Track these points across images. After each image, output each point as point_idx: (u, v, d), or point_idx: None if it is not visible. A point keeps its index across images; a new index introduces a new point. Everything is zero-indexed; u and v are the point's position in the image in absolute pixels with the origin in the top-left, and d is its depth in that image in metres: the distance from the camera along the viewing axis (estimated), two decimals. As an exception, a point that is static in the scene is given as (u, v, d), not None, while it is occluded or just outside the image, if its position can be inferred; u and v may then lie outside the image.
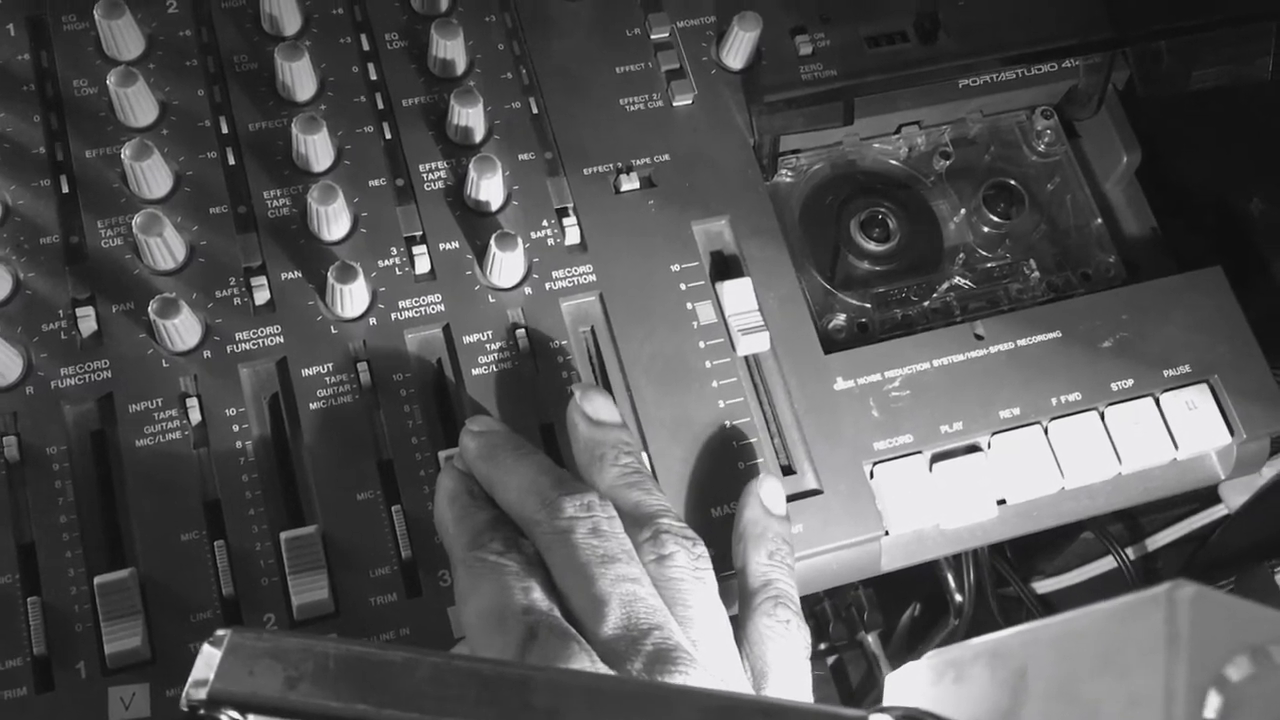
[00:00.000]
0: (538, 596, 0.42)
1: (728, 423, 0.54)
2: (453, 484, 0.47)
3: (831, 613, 0.86)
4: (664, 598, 0.43)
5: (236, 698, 0.32)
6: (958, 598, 0.80)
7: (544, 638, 0.40)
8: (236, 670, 0.32)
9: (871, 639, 0.88)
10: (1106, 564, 0.78)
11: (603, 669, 0.39)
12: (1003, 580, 0.82)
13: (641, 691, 0.32)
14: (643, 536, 0.45)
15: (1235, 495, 0.69)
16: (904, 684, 0.33)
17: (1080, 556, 0.80)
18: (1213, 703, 0.23)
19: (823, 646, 0.88)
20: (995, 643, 0.30)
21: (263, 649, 0.32)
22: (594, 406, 0.49)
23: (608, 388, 0.54)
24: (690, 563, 0.45)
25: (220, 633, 0.33)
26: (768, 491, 0.50)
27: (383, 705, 0.31)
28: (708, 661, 0.41)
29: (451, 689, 0.31)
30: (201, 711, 0.32)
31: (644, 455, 0.51)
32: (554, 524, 0.44)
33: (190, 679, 0.33)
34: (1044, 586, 0.82)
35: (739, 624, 0.47)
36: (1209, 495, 0.71)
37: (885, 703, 0.32)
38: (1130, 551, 0.77)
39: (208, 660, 0.33)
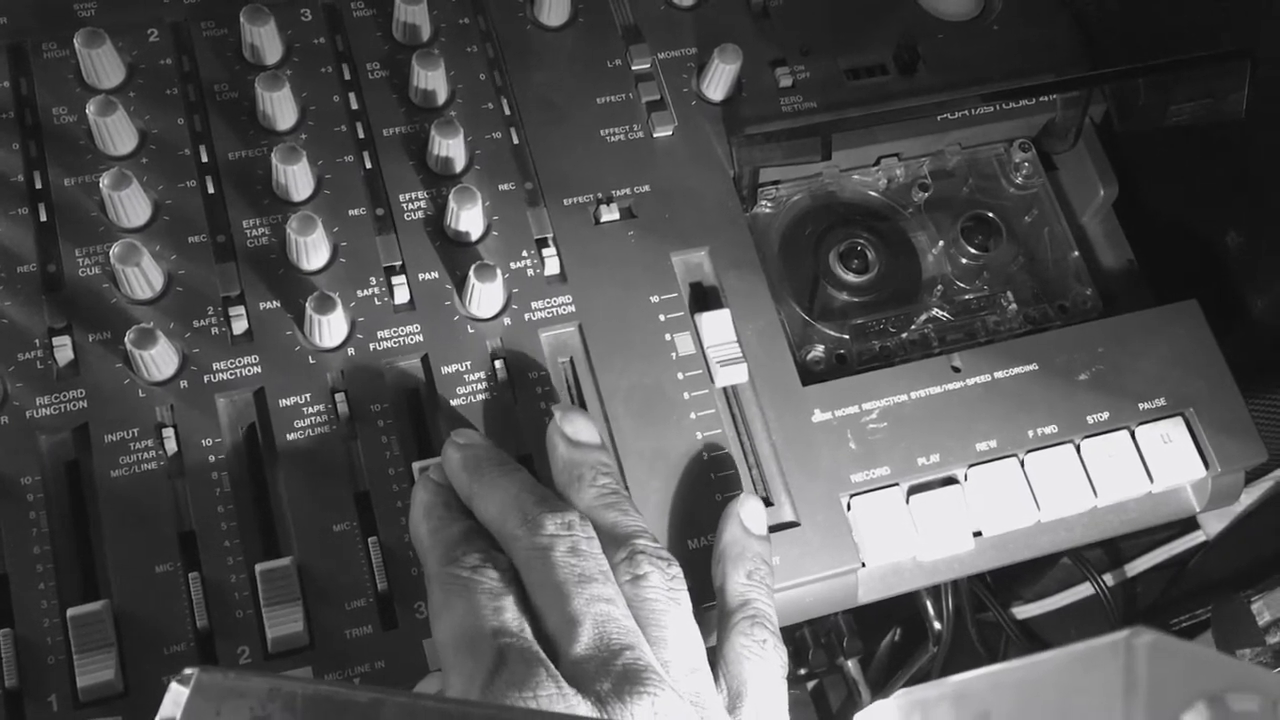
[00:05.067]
0: (509, 617, 0.42)
1: (706, 454, 0.54)
2: (428, 496, 0.47)
3: (811, 639, 0.86)
4: (638, 618, 0.44)
5: (204, 738, 0.32)
6: (936, 625, 0.80)
7: (513, 663, 0.40)
8: (203, 709, 0.32)
9: (851, 665, 0.88)
10: (1086, 589, 0.78)
11: (570, 693, 0.39)
12: (982, 606, 0.82)
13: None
14: (619, 557, 0.45)
15: (1214, 522, 0.70)
16: (873, 723, 0.33)
17: (1060, 582, 0.81)
18: (1171, 751, 0.23)
19: (802, 672, 0.87)
20: (961, 685, 0.30)
21: (229, 688, 0.32)
22: (574, 427, 0.50)
23: (586, 419, 0.54)
24: (665, 583, 0.45)
25: (188, 671, 0.33)
26: (749, 512, 0.50)
27: (350, 746, 0.31)
28: (679, 682, 0.41)
29: (419, 730, 0.31)
30: (169, 751, 0.32)
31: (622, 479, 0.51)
32: (533, 540, 0.44)
33: (158, 716, 0.33)
34: (1024, 612, 0.82)
35: (717, 644, 0.47)
36: (1188, 521, 0.71)
37: (854, 743, 0.32)
38: (1109, 577, 0.77)
39: (175, 699, 0.33)
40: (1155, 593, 0.80)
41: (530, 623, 0.42)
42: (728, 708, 0.44)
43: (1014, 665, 0.29)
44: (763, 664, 0.46)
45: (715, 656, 0.46)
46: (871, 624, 0.90)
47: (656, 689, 0.39)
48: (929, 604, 0.79)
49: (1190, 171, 0.65)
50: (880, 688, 0.90)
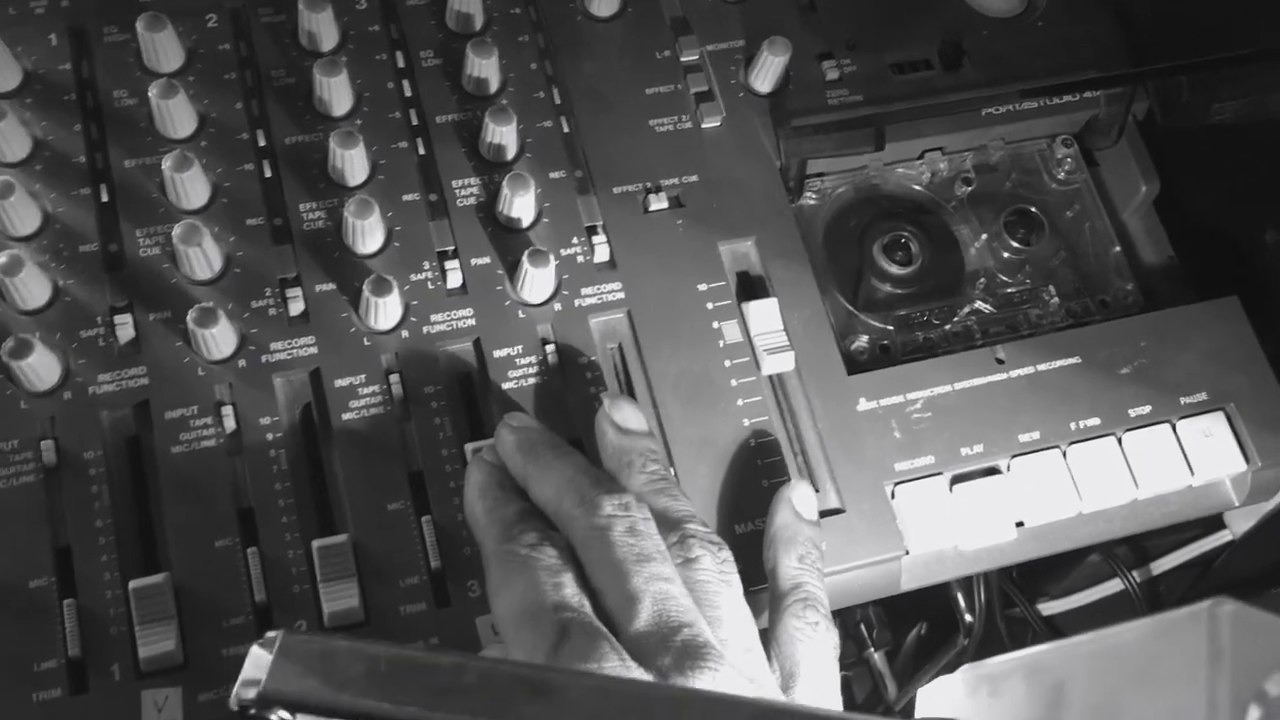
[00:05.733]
0: (570, 592, 0.42)
1: (752, 441, 0.54)
2: (483, 476, 0.48)
3: (840, 630, 0.86)
4: (694, 598, 0.44)
5: (288, 698, 0.33)
6: (968, 618, 0.80)
7: (576, 636, 0.40)
8: (288, 671, 0.33)
9: (878, 657, 0.88)
10: (1111, 587, 0.79)
11: (633, 667, 0.40)
12: (1010, 602, 0.82)
13: (681, 698, 0.32)
14: (670, 541, 0.46)
15: (1240, 521, 0.70)
16: (937, 697, 0.34)
17: (1086, 580, 0.81)
18: (1253, 716, 0.24)
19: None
20: (1031, 658, 0.31)
21: (314, 650, 0.33)
22: (622, 415, 0.50)
23: (635, 404, 0.55)
24: (716, 566, 0.46)
25: (271, 634, 0.34)
26: (800, 497, 0.51)
27: (432, 708, 0.32)
28: (736, 660, 0.42)
29: (499, 692, 0.32)
30: (252, 711, 0.33)
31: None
32: (591, 521, 0.44)
33: (239, 679, 0.34)
34: (1050, 609, 0.82)
35: (769, 626, 0.48)
36: (1214, 520, 0.71)
37: (919, 715, 0.33)
38: (1135, 575, 0.77)
39: (256, 661, 0.34)
40: (1180, 591, 0.80)
41: (589, 599, 0.43)
42: (781, 688, 0.45)
43: (1087, 638, 0.29)
44: (815, 645, 0.47)
45: (767, 639, 0.47)
46: (897, 618, 0.90)
47: (716, 664, 0.40)
48: (960, 597, 0.80)
49: (1231, 169, 0.66)
50: (907, 681, 0.91)
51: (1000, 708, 0.30)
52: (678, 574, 0.44)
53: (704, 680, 0.39)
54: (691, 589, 0.44)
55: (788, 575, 0.49)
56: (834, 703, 0.46)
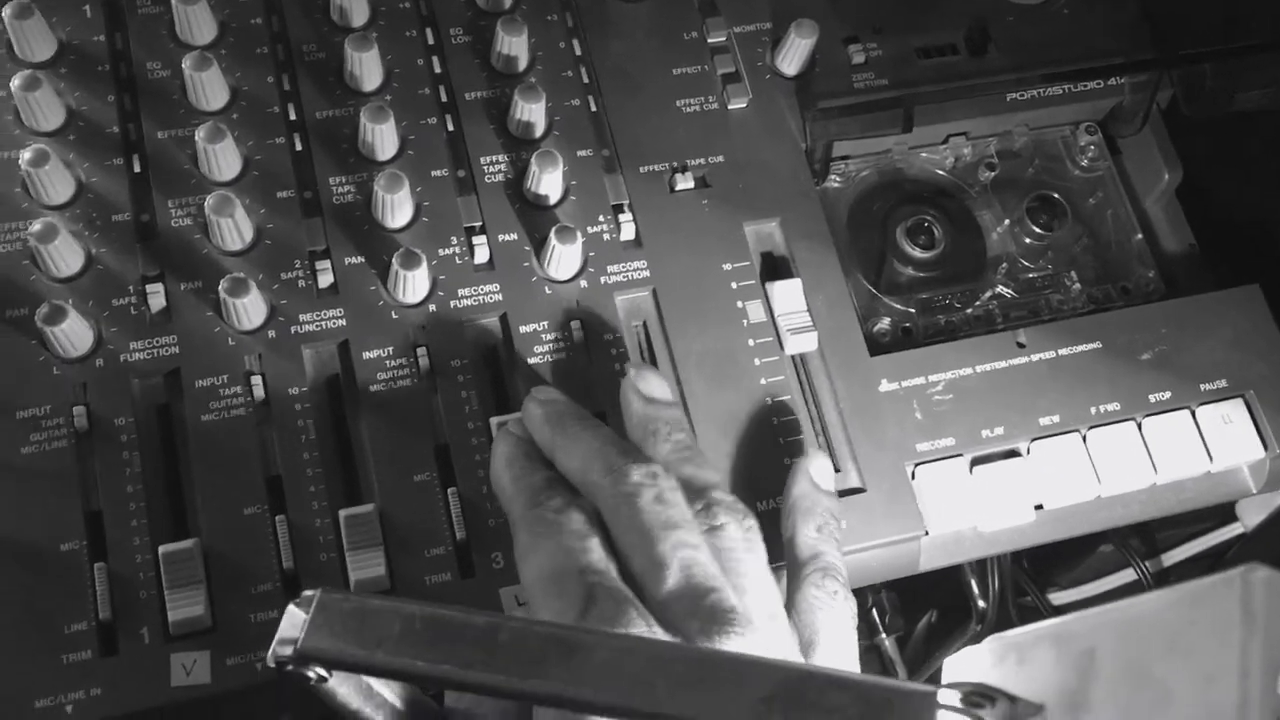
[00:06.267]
0: (596, 557, 0.43)
1: (775, 419, 0.55)
2: (509, 448, 0.49)
3: (853, 615, 0.87)
4: (719, 566, 0.44)
5: (325, 655, 0.33)
6: (981, 604, 0.81)
7: (603, 601, 0.41)
8: (324, 629, 0.33)
9: (889, 642, 0.89)
10: (1121, 578, 0.79)
11: (659, 631, 0.40)
12: (1021, 590, 0.83)
13: (711, 659, 0.33)
14: (695, 508, 0.46)
15: (1252, 514, 0.70)
16: (963, 666, 0.34)
17: (1095, 570, 0.81)
18: (1287, 679, 0.24)
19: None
20: (1059, 625, 0.31)
21: (350, 609, 0.34)
22: (648, 384, 0.51)
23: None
24: (742, 534, 0.46)
25: (308, 593, 0.35)
26: (818, 468, 0.52)
27: (467, 666, 0.32)
28: (761, 626, 0.42)
29: (533, 652, 0.32)
30: (289, 668, 0.34)
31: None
32: (619, 488, 0.45)
33: (276, 637, 0.34)
34: (1060, 598, 0.83)
35: (787, 595, 0.48)
36: (1225, 513, 0.72)
37: (946, 682, 0.33)
38: (1148, 565, 0.78)
39: (293, 620, 0.34)
40: (1192, 583, 0.80)
41: (615, 565, 0.43)
42: (801, 655, 0.45)
43: (1116, 606, 0.30)
44: (834, 614, 0.47)
45: (786, 606, 0.47)
46: (908, 605, 0.90)
47: (742, 629, 0.40)
48: (974, 582, 0.80)
49: (1254, 158, 0.66)
50: (917, 667, 0.91)
51: (1028, 674, 0.31)
52: (704, 541, 0.44)
53: (729, 645, 0.40)
54: (717, 556, 0.45)
55: (806, 544, 0.49)
56: (854, 668, 0.46)
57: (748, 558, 0.45)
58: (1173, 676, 0.26)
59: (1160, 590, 0.28)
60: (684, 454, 0.49)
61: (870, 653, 0.92)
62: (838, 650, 0.46)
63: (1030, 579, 0.83)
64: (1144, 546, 0.79)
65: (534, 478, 0.47)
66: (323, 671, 0.34)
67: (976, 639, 0.82)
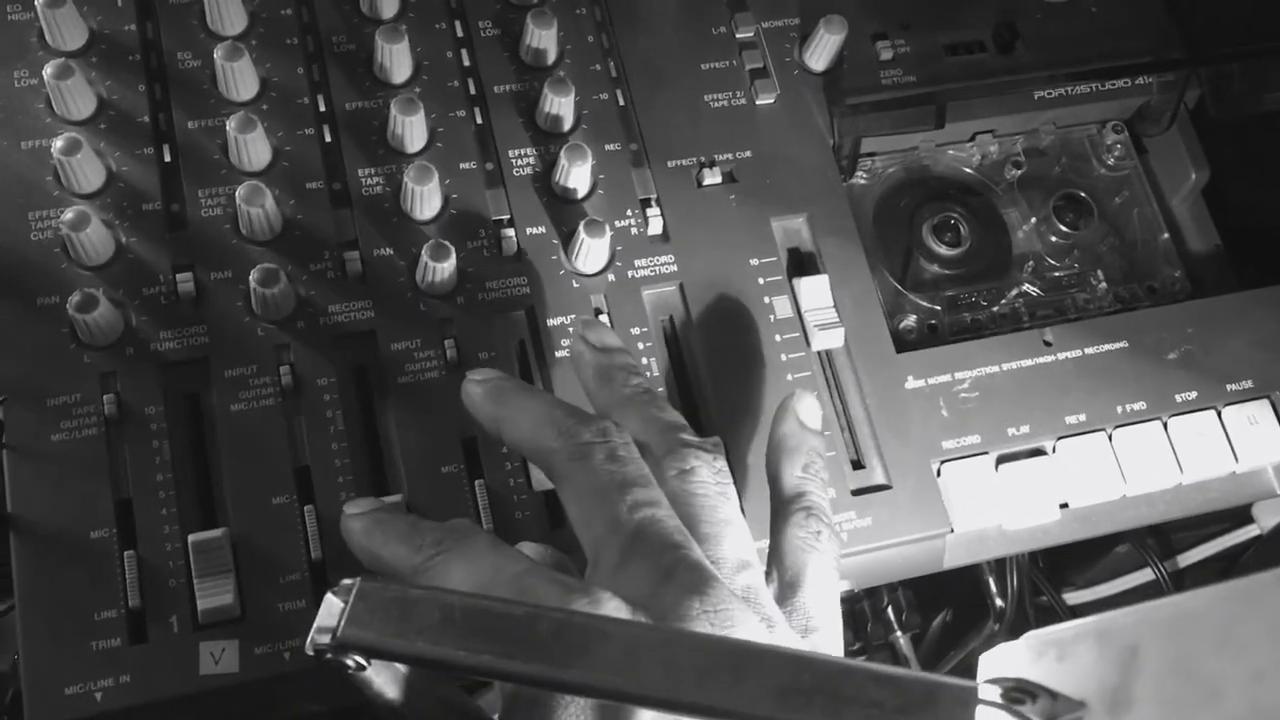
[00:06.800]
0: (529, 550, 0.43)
1: (801, 415, 0.55)
2: (361, 524, 0.45)
3: (870, 612, 0.87)
4: (688, 514, 0.43)
5: (364, 643, 0.33)
6: (999, 603, 0.81)
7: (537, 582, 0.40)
8: (364, 617, 0.33)
9: (904, 640, 0.89)
10: (1137, 578, 0.79)
11: (620, 603, 0.38)
12: (1037, 590, 0.83)
13: (750, 651, 0.33)
14: (662, 451, 0.45)
15: (1268, 516, 0.70)
16: (1000, 662, 0.34)
17: (1111, 571, 0.81)
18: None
19: (856, 645, 0.88)
20: (1100, 622, 0.31)
21: (389, 598, 0.34)
22: (598, 334, 0.49)
23: (685, 377, 0.56)
24: (713, 477, 0.44)
25: (346, 581, 0.35)
26: (805, 407, 0.49)
27: (507, 656, 0.32)
28: (730, 578, 0.41)
29: (572, 642, 0.32)
30: (328, 656, 0.34)
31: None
32: (570, 449, 0.43)
33: (315, 626, 0.34)
34: (1075, 598, 0.83)
35: (770, 535, 0.47)
36: (1241, 515, 0.72)
37: (983, 678, 0.33)
38: (1165, 565, 0.78)
39: (330, 609, 0.34)
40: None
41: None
42: (778, 598, 0.43)
43: (1161, 602, 0.30)
44: (818, 556, 0.45)
45: (769, 547, 0.46)
46: (922, 604, 0.90)
47: (709, 588, 0.39)
48: (992, 581, 0.80)
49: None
50: (932, 666, 0.91)
51: (1069, 670, 0.31)
52: (663, 496, 0.43)
53: (694, 603, 0.38)
54: (687, 504, 0.43)
55: (791, 484, 0.47)
56: (834, 612, 0.44)
57: (720, 504, 0.44)
58: (1221, 673, 0.26)
59: (1208, 586, 0.28)
60: (645, 397, 0.47)
61: (885, 650, 0.92)
62: (819, 593, 0.44)
63: (1046, 579, 0.83)
64: (1159, 548, 0.79)
65: (399, 526, 0.45)
66: (361, 659, 0.34)
67: (993, 638, 0.83)
